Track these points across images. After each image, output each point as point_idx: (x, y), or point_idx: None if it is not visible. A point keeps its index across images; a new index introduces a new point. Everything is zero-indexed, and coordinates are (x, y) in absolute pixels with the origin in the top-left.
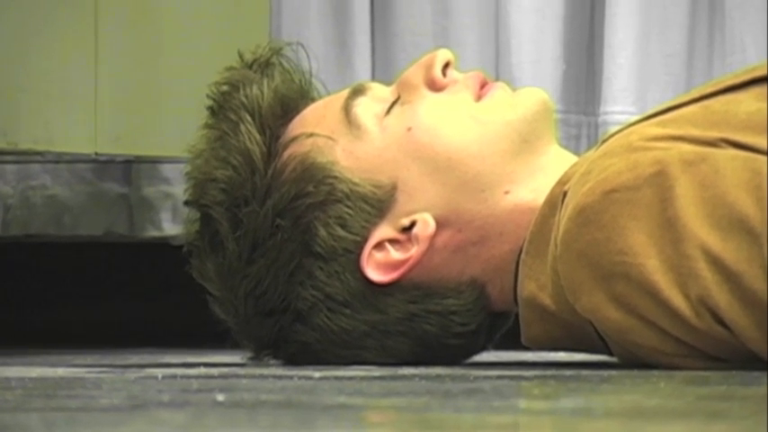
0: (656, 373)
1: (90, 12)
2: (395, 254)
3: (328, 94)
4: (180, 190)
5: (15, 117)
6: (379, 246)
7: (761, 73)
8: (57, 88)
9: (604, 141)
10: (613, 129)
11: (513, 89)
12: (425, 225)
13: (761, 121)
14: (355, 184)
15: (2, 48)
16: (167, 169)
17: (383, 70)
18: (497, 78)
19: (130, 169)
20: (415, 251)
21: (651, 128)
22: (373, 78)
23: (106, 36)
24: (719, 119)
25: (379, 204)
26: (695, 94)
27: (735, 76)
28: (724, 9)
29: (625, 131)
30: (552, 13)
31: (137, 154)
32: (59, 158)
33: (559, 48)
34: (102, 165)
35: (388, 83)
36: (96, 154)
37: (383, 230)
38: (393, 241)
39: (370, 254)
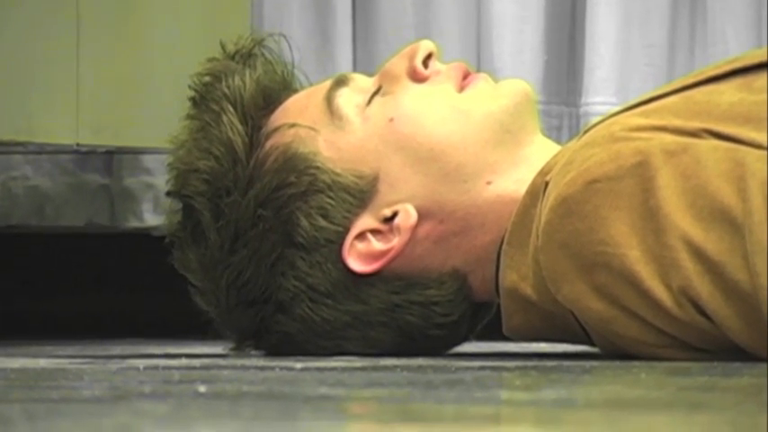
0: (637, 363)
1: (71, 2)
2: (376, 244)
3: (310, 85)
4: (161, 181)
5: None
6: (360, 236)
7: (742, 63)
8: (38, 79)
9: (586, 132)
10: (595, 119)
11: (496, 80)
12: (407, 215)
13: (743, 111)
14: (337, 174)
15: None
16: (149, 160)
17: (365, 61)
18: (479, 69)
19: (112, 160)
20: (396, 242)
21: (633, 118)
22: (355, 69)
23: (88, 27)
24: (701, 109)
25: (360, 195)
26: (677, 84)
27: (716, 67)
28: (705, 0)
29: (607, 122)
30: (533, 4)
31: (118, 145)
32: (41, 149)
33: (541, 38)
34: (84, 156)
35: (369, 74)
36: (78, 145)
37: (365, 221)
38: (375, 232)
39: (351, 244)
